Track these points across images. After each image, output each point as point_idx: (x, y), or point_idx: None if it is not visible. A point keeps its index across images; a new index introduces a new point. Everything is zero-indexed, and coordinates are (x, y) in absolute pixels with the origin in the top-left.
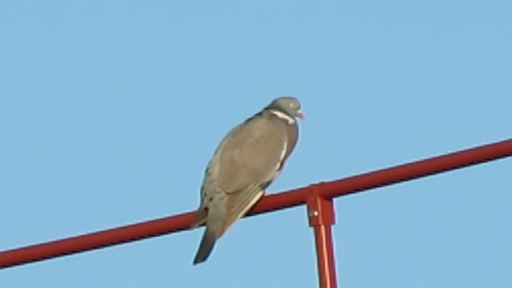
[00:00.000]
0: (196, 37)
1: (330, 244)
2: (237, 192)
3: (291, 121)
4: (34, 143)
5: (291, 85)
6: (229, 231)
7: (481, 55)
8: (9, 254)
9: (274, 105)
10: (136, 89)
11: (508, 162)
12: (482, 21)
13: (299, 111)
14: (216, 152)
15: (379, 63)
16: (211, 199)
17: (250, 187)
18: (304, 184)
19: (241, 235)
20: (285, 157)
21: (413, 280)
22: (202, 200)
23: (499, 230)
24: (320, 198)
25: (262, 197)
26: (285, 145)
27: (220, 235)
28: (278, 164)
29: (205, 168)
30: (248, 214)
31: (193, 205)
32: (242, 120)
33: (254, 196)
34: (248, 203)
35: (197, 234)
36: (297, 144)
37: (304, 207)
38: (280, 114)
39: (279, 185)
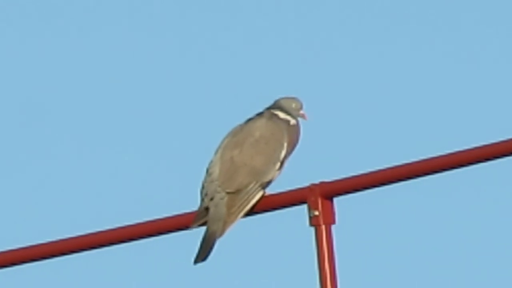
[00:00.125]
0: (196, 37)
1: (331, 244)
2: (237, 191)
3: (292, 121)
4: (34, 143)
5: (292, 85)
6: (229, 231)
7: (480, 55)
8: (8, 254)
9: (276, 105)
10: (136, 89)
11: (506, 162)
12: (482, 21)
13: (301, 111)
14: (216, 152)
15: (380, 64)
16: (211, 199)
17: (250, 186)
18: (305, 184)
19: (241, 235)
20: (285, 157)
21: (413, 280)
22: (202, 200)
23: (498, 230)
24: (320, 198)
25: (263, 196)
26: (285, 145)
27: (220, 235)
28: (278, 164)
29: (205, 168)
30: (249, 214)
31: (194, 205)
32: (243, 120)
33: (254, 196)
34: (248, 202)
35: (197, 234)
36: (298, 144)
37: (304, 207)
38: (281, 114)
39: (280, 185)
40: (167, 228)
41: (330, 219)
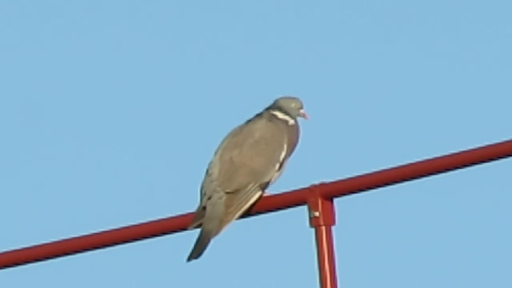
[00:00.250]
0: (196, 37)
1: (331, 245)
2: (236, 191)
3: (291, 121)
4: (36, 143)
5: (292, 85)
6: (225, 230)
7: (484, 55)
8: (12, 254)
9: (275, 105)
10: (137, 89)
11: (510, 162)
12: (485, 21)
13: (302, 111)
14: (216, 153)
15: (381, 64)
16: (209, 198)
17: (249, 187)
18: (305, 185)
19: (242, 235)
20: (285, 158)
21: (414, 280)
22: (201, 200)
23: (500, 231)
24: (321, 199)
25: (261, 197)
26: (285, 146)
27: (216, 233)
28: (278, 165)
29: (205, 169)
30: (249, 214)
31: (193, 206)
32: (243, 121)
33: (252, 196)
34: (246, 202)
35: (196, 234)
36: (298, 145)
37: (304, 208)
38: (280, 115)
39: (280, 186)
40: (167, 229)
41: (330, 220)
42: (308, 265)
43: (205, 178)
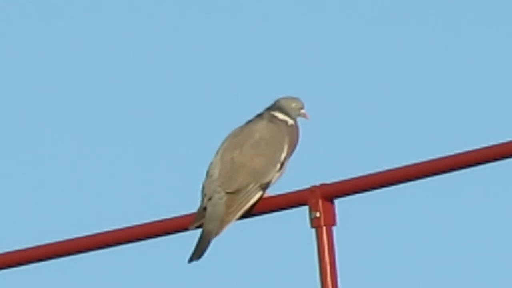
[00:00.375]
0: (197, 38)
1: (332, 245)
2: (236, 192)
3: (290, 122)
4: (38, 143)
5: (293, 86)
6: (225, 230)
7: (489, 55)
8: (15, 254)
9: (276, 106)
10: (137, 90)
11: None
12: (486, 21)
13: (303, 111)
14: (216, 153)
15: (382, 64)
16: (210, 199)
17: (250, 187)
18: (306, 186)
19: (243, 236)
20: (285, 159)
21: (415, 281)
22: (202, 201)
23: (504, 231)
24: (321, 200)
25: (261, 197)
26: (285, 147)
27: (216, 234)
28: (278, 165)
29: (206, 170)
30: (250, 215)
31: (194, 207)
32: (244, 122)
33: (253, 197)
34: (247, 203)
35: (197, 234)
36: (298, 145)
37: (305, 209)
38: (280, 115)
39: (281, 187)
40: (170, 229)
41: (331, 221)
42: (309, 266)
43: (206, 178)
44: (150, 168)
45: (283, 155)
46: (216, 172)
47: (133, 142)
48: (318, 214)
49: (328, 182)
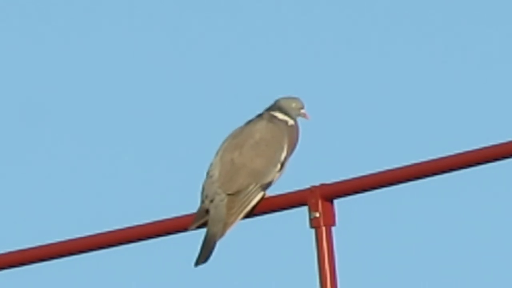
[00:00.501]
0: (197, 38)
1: (331, 246)
2: (237, 193)
3: (290, 122)
4: (39, 143)
5: (293, 86)
6: (229, 232)
7: (489, 54)
8: (17, 254)
9: (275, 106)
10: (137, 90)
11: (509, 163)
12: (487, 21)
13: (303, 111)
14: (216, 154)
15: (382, 64)
16: (211, 201)
17: (250, 188)
18: (305, 186)
19: (242, 236)
20: (285, 159)
21: (415, 281)
22: (202, 202)
23: (504, 231)
24: (321, 200)
25: (263, 198)
26: (285, 147)
27: (221, 236)
28: (279, 166)
29: (206, 171)
30: (250, 215)
31: (194, 207)
32: (244, 122)
33: (254, 197)
34: (248, 204)
35: (198, 236)
36: (298, 145)
37: (305, 209)
38: (280, 116)
39: (280, 187)
40: (172, 229)
41: (330, 221)
42: (308, 266)
43: (206, 179)
44: (151, 168)
45: (283, 155)
46: (216, 173)
47: (133, 142)
48: (317, 214)
49: (327, 182)
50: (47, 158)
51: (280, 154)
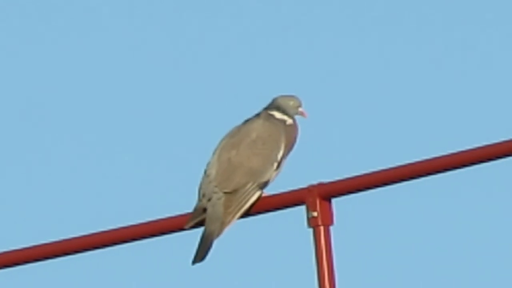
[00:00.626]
0: (194, 37)
1: (329, 245)
2: (234, 191)
3: (289, 121)
4: (34, 143)
5: (291, 85)
6: (227, 231)
7: (482, 54)
8: (11, 254)
9: (273, 105)
10: (135, 89)
11: (508, 163)
12: (482, 21)
13: (300, 109)
14: (214, 153)
15: (379, 63)
16: (209, 200)
17: (248, 186)
18: (303, 185)
19: (240, 235)
20: (282, 157)
21: (413, 281)
22: (199, 200)
23: (499, 231)
24: (319, 199)
25: (260, 197)
26: (282, 145)
27: (218, 235)
28: (276, 164)
29: (203, 170)
30: (247, 214)
31: (191, 206)
32: (242, 121)
33: (251, 196)
34: (245, 202)
35: (195, 234)
36: (296, 144)
37: (303, 208)
38: (278, 115)
39: (278, 186)
40: (166, 229)
41: (328, 220)
42: (306, 265)
43: (203, 178)
44: (148, 168)
45: (280, 154)
46: (213, 172)
47: (129, 142)
48: (315, 214)
49: (325, 181)
50: (39, 158)
51: (277, 153)
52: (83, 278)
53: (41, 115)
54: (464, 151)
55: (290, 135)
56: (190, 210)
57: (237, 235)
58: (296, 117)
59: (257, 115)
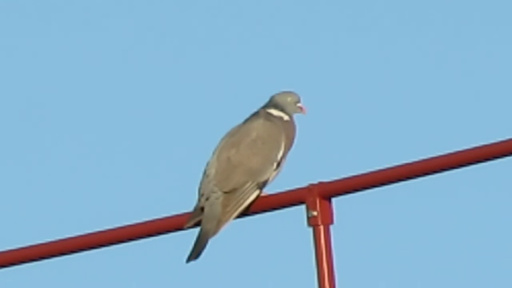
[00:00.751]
0: (194, 37)
1: (329, 244)
2: (233, 191)
3: (285, 117)
4: (34, 143)
5: (290, 83)
6: (223, 230)
7: (480, 54)
8: (7, 254)
9: (271, 103)
10: (134, 89)
11: (506, 162)
12: (482, 21)
13: (299, 105)
14: (213, 153)
15: (379, 62)
16: (207, 199)
17: (247, 186)
18: (303, 184)
19: (240, 235)
20: (282, 157)
21: (412, 280)
22: (198, 200)
23: (498, 230)
24: (319, 198)
25: (258, 196)
26: (282, 145)
27: (214, 233)
28: (275, 164)
29: (203, 169)
30: (247, 214)
31: (191, 206)
32: (241, 120)
33: (250, 195)
34: (244, 202)
35: (194, 234)
36: (295, 143)
37: (303, 207)
38: (275, 112)
39: (278, 185)
40: (163, 229)
41: (328, 220)
42: (306, 265)
43: (203, 178)
44: (147, 168)
45: (280, 153)
46: (212, 172)
47: (129, 142)
48: (315, 213)
49: (325, 181)
50: (39, 157)
51: (277, 153)
52: (79, 278)
53: (40, 114)
54: (462, 151)
55: (289, 132)
56: (190, 210)
57: (238, 235)
58: (296, 116)
59: (256, 113)
